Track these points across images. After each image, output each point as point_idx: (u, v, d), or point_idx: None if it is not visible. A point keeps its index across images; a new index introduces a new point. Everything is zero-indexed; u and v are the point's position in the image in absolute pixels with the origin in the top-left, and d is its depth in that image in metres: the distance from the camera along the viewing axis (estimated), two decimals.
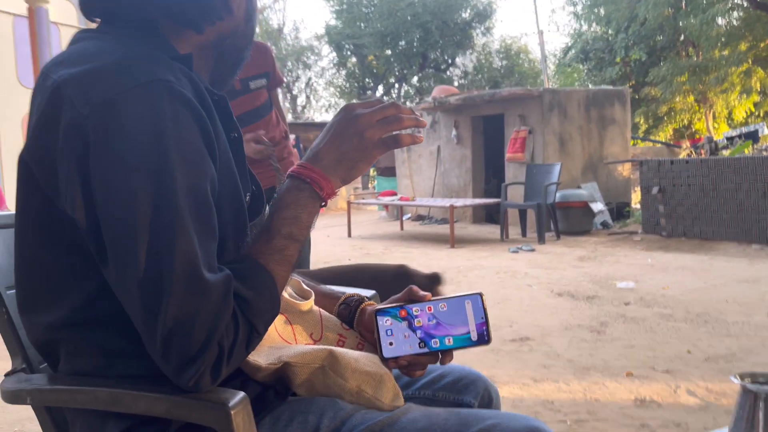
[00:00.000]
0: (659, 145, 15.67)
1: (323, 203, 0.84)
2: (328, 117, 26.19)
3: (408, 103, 17.54)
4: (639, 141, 17.09)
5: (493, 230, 8.76)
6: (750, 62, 16.33)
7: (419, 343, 0.90)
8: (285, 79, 2.73)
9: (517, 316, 4.09)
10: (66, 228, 0.76)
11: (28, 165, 0.77)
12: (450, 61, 21.24)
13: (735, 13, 16.13)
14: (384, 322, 0.91)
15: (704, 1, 14.88)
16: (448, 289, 5.06)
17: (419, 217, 10.80)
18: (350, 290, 1.12)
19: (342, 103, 24.97)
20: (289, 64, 24.19)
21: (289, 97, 24.99)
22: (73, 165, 0.72)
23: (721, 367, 2.98)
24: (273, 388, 0.88)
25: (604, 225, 8.39)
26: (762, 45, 16.29)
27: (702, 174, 6.87)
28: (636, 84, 18.24)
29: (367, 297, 1.09)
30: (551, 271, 5.73)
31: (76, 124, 0.71)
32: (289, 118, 21.27)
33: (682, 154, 13.38)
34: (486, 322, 0.91)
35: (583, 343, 3.45)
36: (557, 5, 55.62)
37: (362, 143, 0.83)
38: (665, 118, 19.35)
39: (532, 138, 8.72)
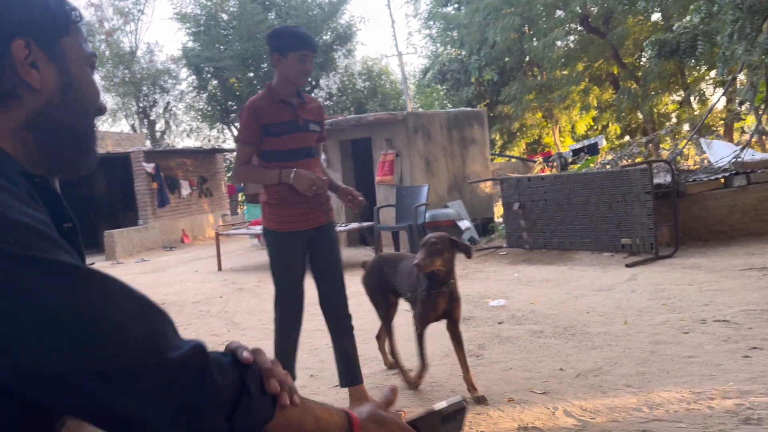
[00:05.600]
0: (514, 160, 16.72)
1: None
2: (189, 142, 25.13)
3: None
4: (497, 157, 18.14)
5: (368, 253, 8.78)
6: (587, 81, 18.01)
7: None
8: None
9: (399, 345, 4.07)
10: None
11: None
12: (314, 83, 21.28)
13: (572, 37, 17.75)
14: None
15: (545, 26, 16.18)
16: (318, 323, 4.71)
17: None
18: None
19: (204, 127, 24.05)
20: (145, 88, 22.95)
21: (146, 123, 23.67)
22: None
23: (591, 382, 3.14)
24: None
25: (472, 241, 8.72)
26: (596, 65, 18.03)
27: (556, 189, 7.37)
28: (490, 102, 19.40)
29: None
30: None
31: None
32: (148, 144, 20.13)
33: (536, 169, 14.38)
34: None
35: None
36: (414, 28, 57.90)
37: None
38: (518, 134, 20.76)
39: (399, 161, 8.90)
